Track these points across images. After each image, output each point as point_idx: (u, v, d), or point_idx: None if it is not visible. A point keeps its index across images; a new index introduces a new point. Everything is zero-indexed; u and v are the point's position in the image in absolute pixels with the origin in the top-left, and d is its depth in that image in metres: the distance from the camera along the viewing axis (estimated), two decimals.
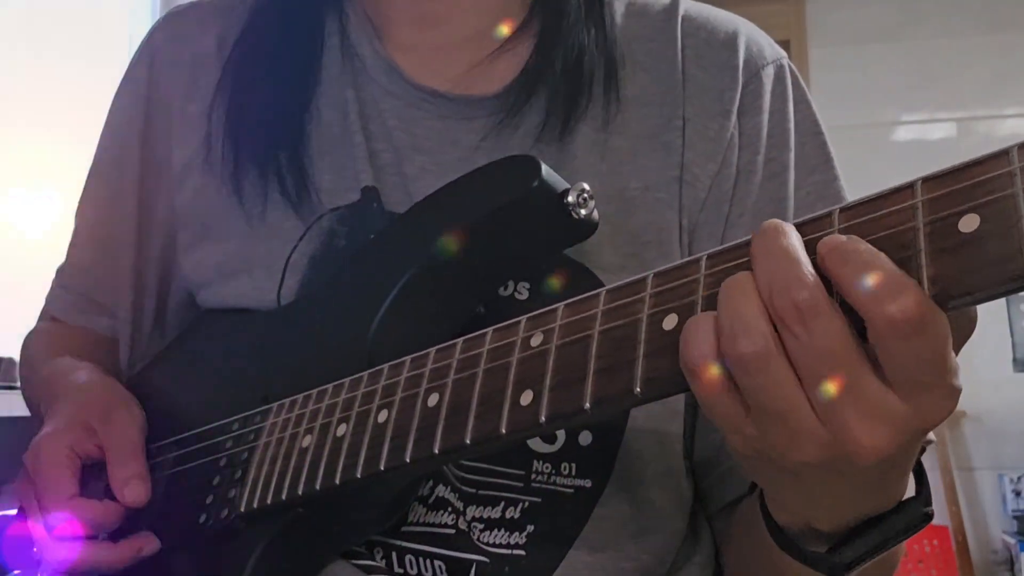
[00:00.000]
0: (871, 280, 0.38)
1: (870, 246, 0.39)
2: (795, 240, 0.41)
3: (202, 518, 0.67)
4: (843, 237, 0.40)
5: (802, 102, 0.79)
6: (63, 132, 2.22)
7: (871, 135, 3.56)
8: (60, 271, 0.93)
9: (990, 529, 3.36)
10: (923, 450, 0.54)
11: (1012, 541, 3.20)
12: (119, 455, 0.70)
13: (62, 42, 2.33)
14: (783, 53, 0.81)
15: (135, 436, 0.72)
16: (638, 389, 0.45)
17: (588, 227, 0.64)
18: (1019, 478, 3.26)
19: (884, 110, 3.61)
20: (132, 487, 0.69)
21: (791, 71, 0.80)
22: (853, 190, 0.78)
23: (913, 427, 0.41)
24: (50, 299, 0.93)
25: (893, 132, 3.64)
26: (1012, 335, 3.23)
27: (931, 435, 0.73)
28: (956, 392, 0.40)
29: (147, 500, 0.69)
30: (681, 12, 0.80)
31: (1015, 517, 3.24)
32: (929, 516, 0.51)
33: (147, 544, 0.69)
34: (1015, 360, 3.24)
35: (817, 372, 0.40)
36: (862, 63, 3.61)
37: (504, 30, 0.79)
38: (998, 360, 3.26)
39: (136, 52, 0.89)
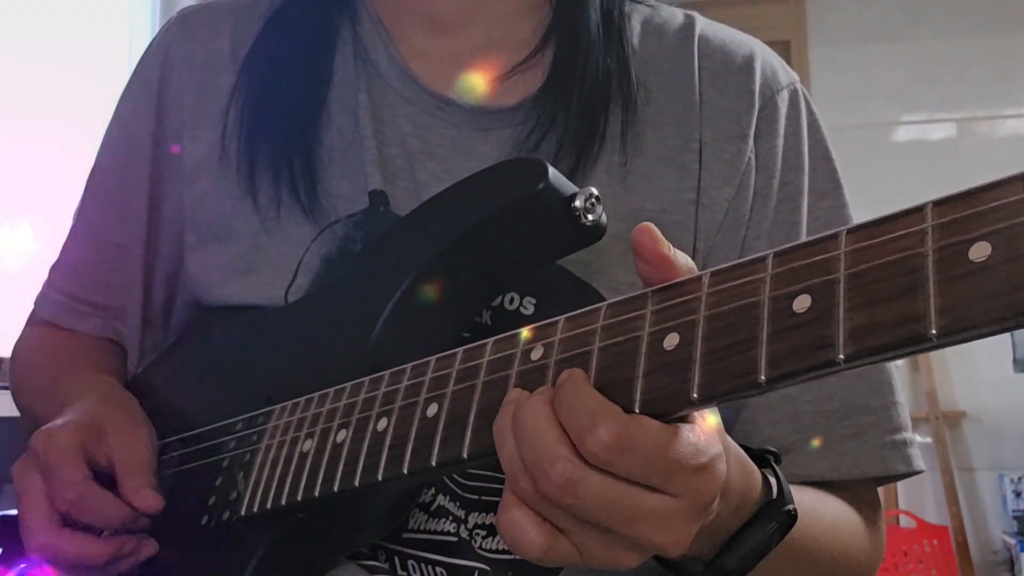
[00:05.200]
0: (574, 421, 0.44)
1: (578, 378, 0.46)
2: (540, 414, 0.45)
3: (204, 519, 0.67)
4: (564, 375, 0.46)
5: (814, 127, 0.79)
6: (63, 131, 2.22)
7: (871, 135, 3.56)
8: (53, 269, 0.92)
9: (990, 529, 3.37)
10: (775, 473, 0.58)
11: (1012, 541, 3.20)
12: (131, 468, 0.69)
13: (62, 42, 2.33)
14: (796, 77, 0.81)
15: (148, 456, 0.71)
16: (636, 408, 0.45)
17: (596, 232, 0.63)
18: (1019, 478, 3.26)
19: (884, 110, 3.61)
20: (146, 494, 0.68)
21: (804, 95, 0.80)
22: (853, 190, 0.78)
23: (694, 511, 0.46)
24: (39, 300, 0.92)
25: (893, 132, 3.64)
26: (1012, 335, 3.22)
27: (917, 436, 0.75)
28: (703, 468, 0.45)
29: (159, 508, 0.68)
30: (697, 32, 0.80)
31: (1015, 517, 3.24)
32: (791, 514, 0.55)
33: (129, 544, 0.68)
34: (1015, 360, 3.24)
35: (603, 521, 0.45)
36: (862, 63, 3.60)
37: (522, 45, 0.79)
38: (998, 360, 3.26)
39: (147, 51, 0.89)
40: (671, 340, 0.45)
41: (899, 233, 0.39)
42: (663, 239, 0.48)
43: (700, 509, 0.46)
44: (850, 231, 0.41)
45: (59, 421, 0.71)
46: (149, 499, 0.68)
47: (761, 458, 0.57)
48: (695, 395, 0.43)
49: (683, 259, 0.48)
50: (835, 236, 0.41)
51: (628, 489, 0.44)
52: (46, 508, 0.68)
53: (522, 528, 0.46)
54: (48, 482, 0.68)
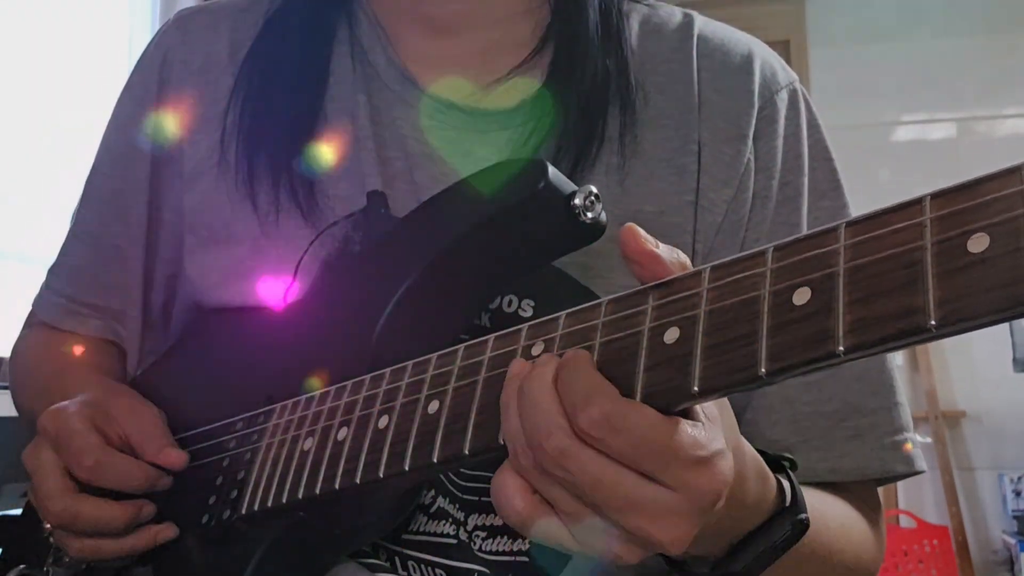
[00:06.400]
0: (569, 396, 0.45)
1: (583, 358, 0.46)
2: (543, 386, 0.46)
3: (204, 518, 0.67)
4: (569, 352, 0.47)
5: (814, 126, 0.79)
6: (63, 131, 2.22)
7: (871, 135, 3.56)
8: (51, 271, 0.92)
9: (990, 529, 3.37)
10: (786, 474, 0.57)
11: (1012, 541, 3.20)
12: (148, 432, 0.71)
13: (62, 43, 2.33)
14: (795, 76, 0.81)
15: (162, 426, 0.73)
16: (638, 400, 0.45)
17: (595, 231, 0.63)
18: (1019, 478, 3.26)
19: (884, 110, 3.61)
20: (169, 451, 0.70)
21: (803, 95, 0.80)
22: (853, 190, 0.78)
23: (694, 508, 0.45)
24: (37, 302, 0.92)
25: (893, 132, 3.64)
26: (1012, 335, 3.22)
27: (917, 436, 0.75)
28: (704, 461, 0.44)
29: (185, 464, 0.70)
30: (696, 32, 0.80)
31: (1015, 517, 3.24)
32: (804, 522, 0.55)
33: (147, 508, 0.69)
34: (1015, 360, 3.24)
35: (598, 502, 0.44)
36: (862, 63, 3.60)
37: (520, 46, 0.79)
38: (998, 360, 3.26)
39: (145, 53, 0.89)
40: (672, 335, 0.45)
41: (898, 226, 0.39)
42: (647, 236, 0.48)
43: (701, 508, 0.45)
44: (849, 225, 0.41)
45: (63, 403, 0.71)
46: (173, 456, 0.70)
47: (775, 463, 0.57)
48: (696, 388, 0.43)
49: (670, 253, 0.48)
50: (834, 230, 0.42)
51: (622, 472, 0.44)
52: (62, 477, 0.68)
53: (508, 492, 0.47)
54: (64, 454, 0.68)
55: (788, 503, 0.55)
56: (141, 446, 0.70)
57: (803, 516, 0.55)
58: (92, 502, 0.68)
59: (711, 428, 0.46)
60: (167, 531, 0.69)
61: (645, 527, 0.45)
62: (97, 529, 0.68)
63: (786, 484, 0.56)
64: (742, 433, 0.71)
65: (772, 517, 0.55)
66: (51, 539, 0.73)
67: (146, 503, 0.69)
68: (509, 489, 0.47)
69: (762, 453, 0.55)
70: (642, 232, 0.48)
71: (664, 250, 0.48)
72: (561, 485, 0.45)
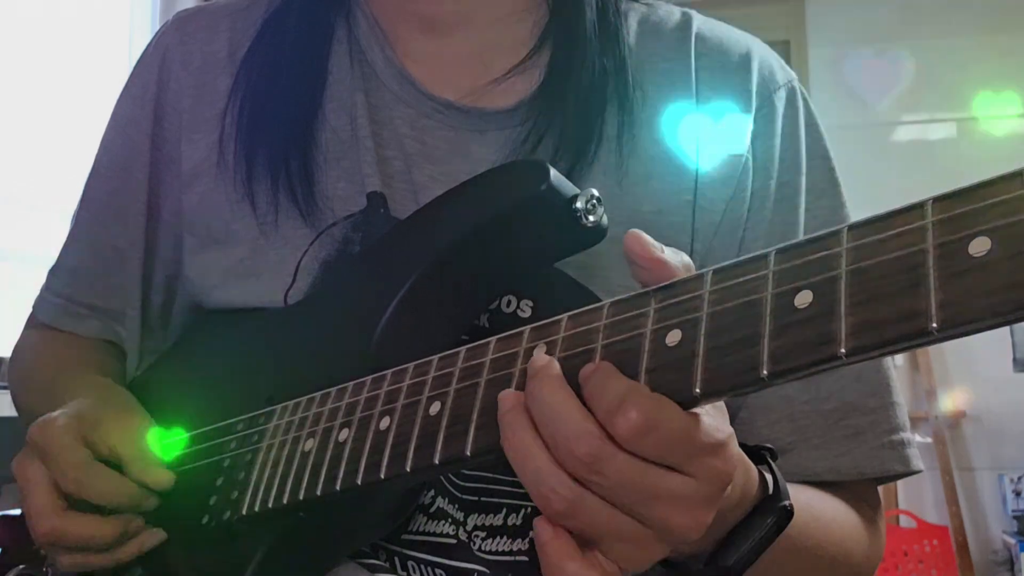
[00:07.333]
0: (602, 402, 0.44)
1: (607, 367, 0.46)
2: (559, 391, 0.45)
3: (205, 519, 0.67)
4: (590, 367, 0.46)
5: (812, 125, 0.79)
6: (63, 131, 2.22)
7: (871, 135, 3.56)
8: (51, 272, 0.92)
9: (990, 529, 3.37)
10: (769, 467, 0.58)
11: (1012, 541, 3.20)
12: (135, 449, 0.70)
13: (62, 43, 2.33)
14: (793, 75, 0.81)
15: (150, 441, 0.72)
16: None
17: (597, 234, 0.63)
18: (1019, 478, 3.27)
19: (884, 110, 3.61)
20: (156, 471, 0.69)
21: (801, 94, 0.80)
22: (853, 190, 0.78)
23: (709, 493, 0.46)
24: (37, 304, 0.92)
25: (893, 132, 3.64)
26: (1012, 335, 3.23)
27: (917, 436, 0.75)
28: (719, 447, 0.46)
29: (171, 484, 0.69)
30: (694, 31, 0.80)
31: (1015, 517, 3.25)
32: (788, 509, 0.56)
33: (134, 523, 0.69)
34: (1015, 360, 3.25)
35: (625, 501, 0.45)
36: (862, 63, 3.61)
37: (519, 46, 0.79)
38: (998, 360, 3.27)
39: (144, 53, 0.89)
40: (674, 337, 0.45)
41: (900, 229, 0.39)
42: (653, 243, 0.48)
43: (717, 490, 0.46)
44: (851, 228, 0.41)
45: (54, 414, 0.71)
46: (160, 475, 0.69)
47: (757, 456, 0.57)
48: (698, 390, 0.43)
49: (677, 257, 0.48)
50: (837, 233, 0.42)
51: (650, 468, 0.45)
52: (50, 493, 0.68)
53: (560, 555, 0.46)
54: (51, 466, 0.68)
55: (771, 492, 0.56)
56: (127, 463, 0.69)
57: (786, 503, 0.55)
58: (79, 520, 0.67)
59: (718, 415, 0.47)
60: (151, 538, 0.69)
61: (667, 517, 0.45)
62: (85, 546, 0.68)
63: (767, 474, 0.56)
64: (738, 431, 0.72)
65: (756, 507, 0.55)
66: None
67: (133, 518, 0.69)
68: (560, 553, 0.46)
69: (742, 446, 0.55)
70: (647, 238, 0.48)
71: (669, 253, 0.48)
72: (593, 492, 0.45)
